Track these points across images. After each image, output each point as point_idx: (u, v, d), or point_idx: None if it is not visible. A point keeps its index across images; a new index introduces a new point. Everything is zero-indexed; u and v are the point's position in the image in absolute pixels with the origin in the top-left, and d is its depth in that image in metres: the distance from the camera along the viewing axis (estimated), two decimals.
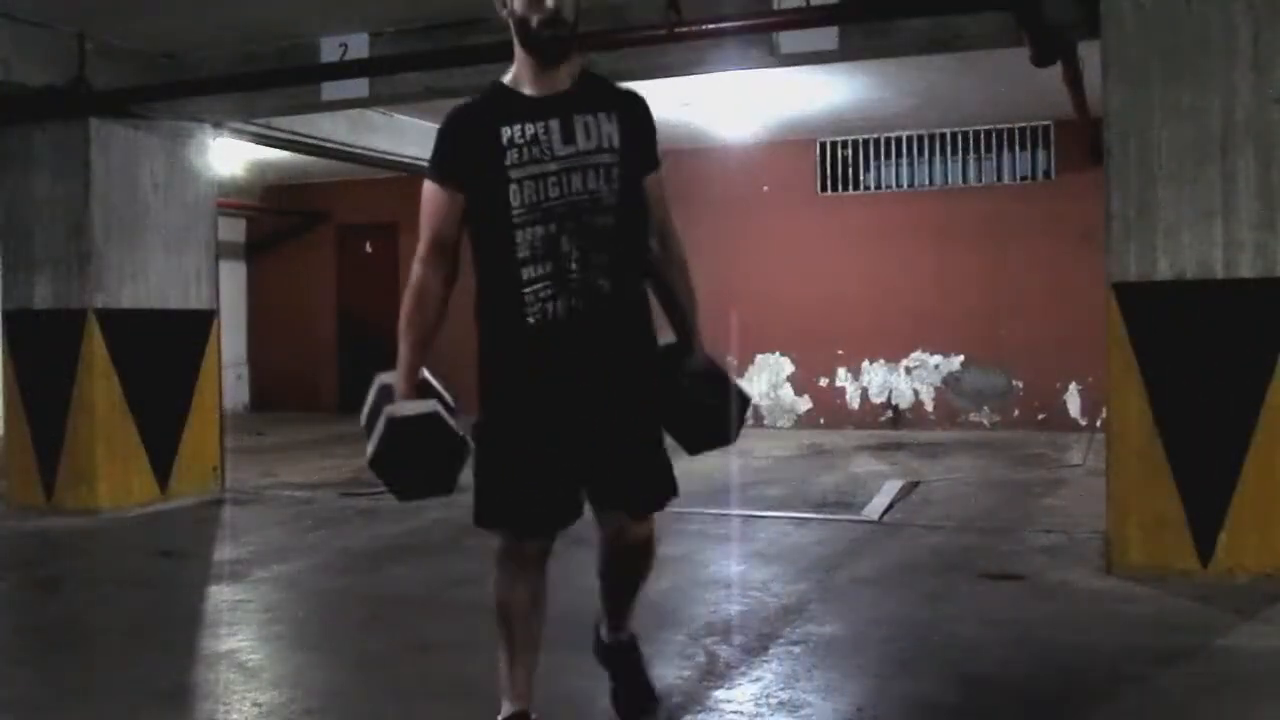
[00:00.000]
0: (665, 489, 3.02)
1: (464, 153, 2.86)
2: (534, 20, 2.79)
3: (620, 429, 2.91)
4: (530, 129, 2.80)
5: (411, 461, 2.86)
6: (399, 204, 13.55)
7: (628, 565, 3.11)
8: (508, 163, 2.79)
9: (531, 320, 2.81)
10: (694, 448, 3.18)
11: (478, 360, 2.96)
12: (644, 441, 2.97)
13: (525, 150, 2.79)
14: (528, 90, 2.88)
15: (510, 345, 2.88)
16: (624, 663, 3.36)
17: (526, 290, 2.80)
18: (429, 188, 2.97)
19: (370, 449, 2.92)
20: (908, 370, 11.67)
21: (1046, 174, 11.16)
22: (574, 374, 2.85)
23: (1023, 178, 11.27)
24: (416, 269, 2.96)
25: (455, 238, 2.95)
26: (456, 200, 2.89)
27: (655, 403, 2.99)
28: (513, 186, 2.78)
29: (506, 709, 3.09)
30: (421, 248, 2.97)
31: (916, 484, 7.85)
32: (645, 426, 2.98)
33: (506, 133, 2.80)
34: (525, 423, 2.87)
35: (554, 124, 2.80)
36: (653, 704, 3.37)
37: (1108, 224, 5.05)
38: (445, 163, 2.90)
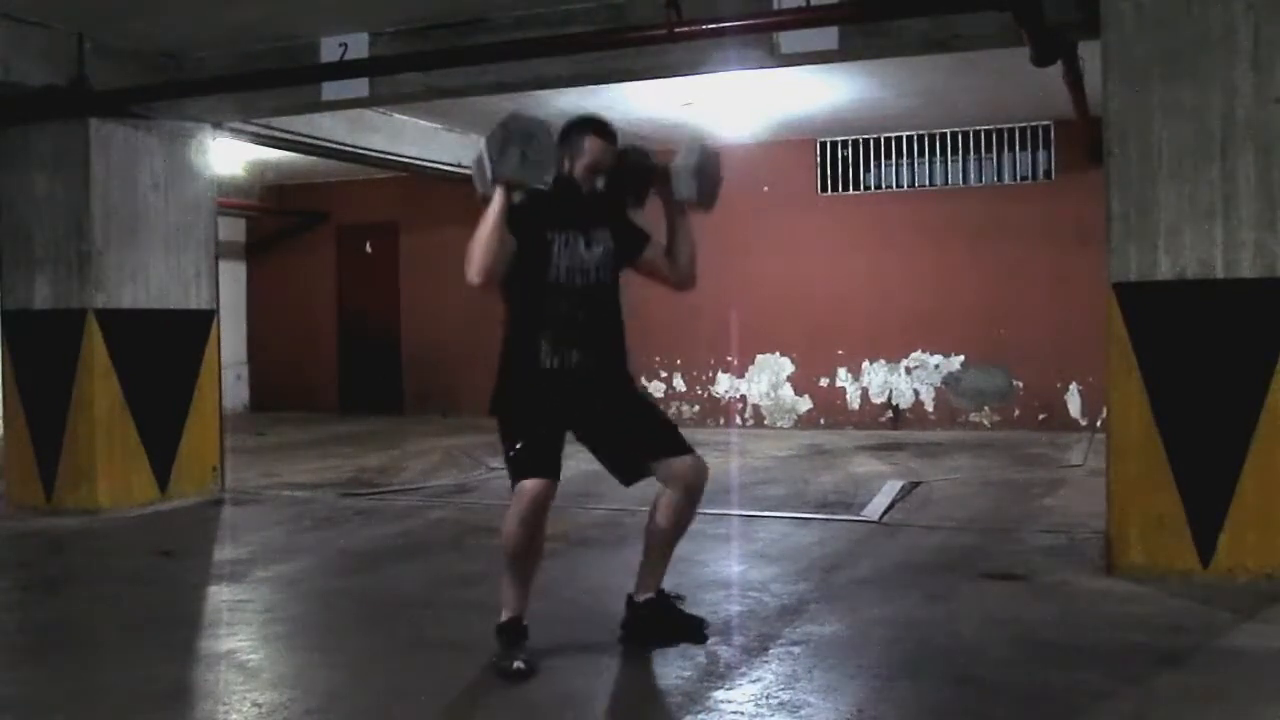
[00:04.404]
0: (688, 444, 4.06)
1: (523, 230, 3.84)
2: (584, 187, 3.97)
3: (629, 412, 4.03)
4: (566, 235, 3.92)
5: (514, 141, 3.70)
6: (399, 204, 13.61)
7: (688, 511, 4.02)
8: (552, 252, 3.89)
9: (548, 365, 3.88)
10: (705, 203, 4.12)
11: (500, 395, 3.94)
12: (654, 413, 4.19)
13: (563, 246, 3.91)
14: (565, 205, 3.94)
15: (529, 382, 3.89)
16: (667, 606, 4.14)
17: (545, 344, 3.88)
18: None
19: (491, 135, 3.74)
20: (908, 370, 11.68)
21: (1046, 174, 11.16)
22: (577, 403, 3.91)
23: (1023, 178, 11.27)
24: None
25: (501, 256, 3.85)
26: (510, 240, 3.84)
27: (647, 404, 4.18)
28: (552, 270, 3.89)
29: (506, 615, 3.88)
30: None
31: (916, 484, 7.85)
32: (648, 408, 4.17)
33: (550, 234, 3.90)
34: (539, 412, 3.85)
35: (580, 235, 3.95)
36: (704, 622, 4.20)
37: (1108, 224, 5.05)
38: (514, 216, 3.82)
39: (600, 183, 3.97)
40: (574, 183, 3.96)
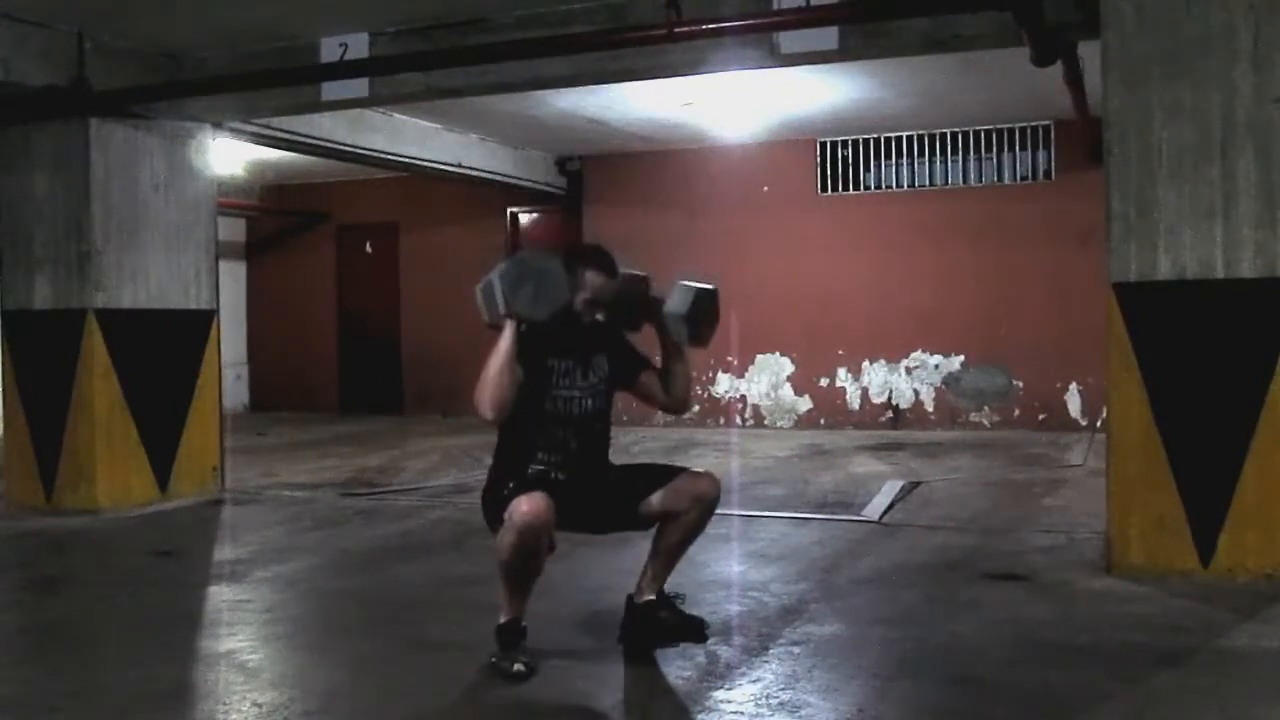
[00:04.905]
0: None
1: (526, 358, 3.84)
2: (585, 318, 3.98)
3: (617, 480, 4.08)
4: (566, 363, 3.98)
5: (528, 278, 3.77)
6: (399, 204, 13.62)
7: (701, 522, 4.02)
8: (552, 381, 3.94)
9: (535, 476, 3.90)
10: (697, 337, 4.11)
11: (486, 494, 4.01)
12: (634, 468, 4.23)
13: (562, 376, 3.97)
14: (565, 333, 3.96)
15: (517, 484, 3.85)
16: (667, 606, 4.14)
17: (535, 467, 3.93)
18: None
19: (498, 269, 3.81)
20: (908, 370, 11.68)
21: (1046, 174, 11.16)
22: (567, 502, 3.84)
23: (1023, 178, 11.27)
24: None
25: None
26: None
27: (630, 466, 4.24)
28: (549, 400, 3.95)
29: (505, 616, 3.88)
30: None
31: (916, 484, 7.85)
32: (628, 469, 4.20)
33: (551, 362, 3.95)
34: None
35: (579, 364, 4.01)
36: (704, 622, 4.21)
37: (1108, 224, 5.05)
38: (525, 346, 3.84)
39: (601, 315, 4.00)
40: (574, 313, 3.96)
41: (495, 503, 3.88)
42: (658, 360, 4.16)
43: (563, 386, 3.97)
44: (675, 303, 4.06)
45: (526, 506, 3.63)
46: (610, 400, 4.13)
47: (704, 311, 4.09)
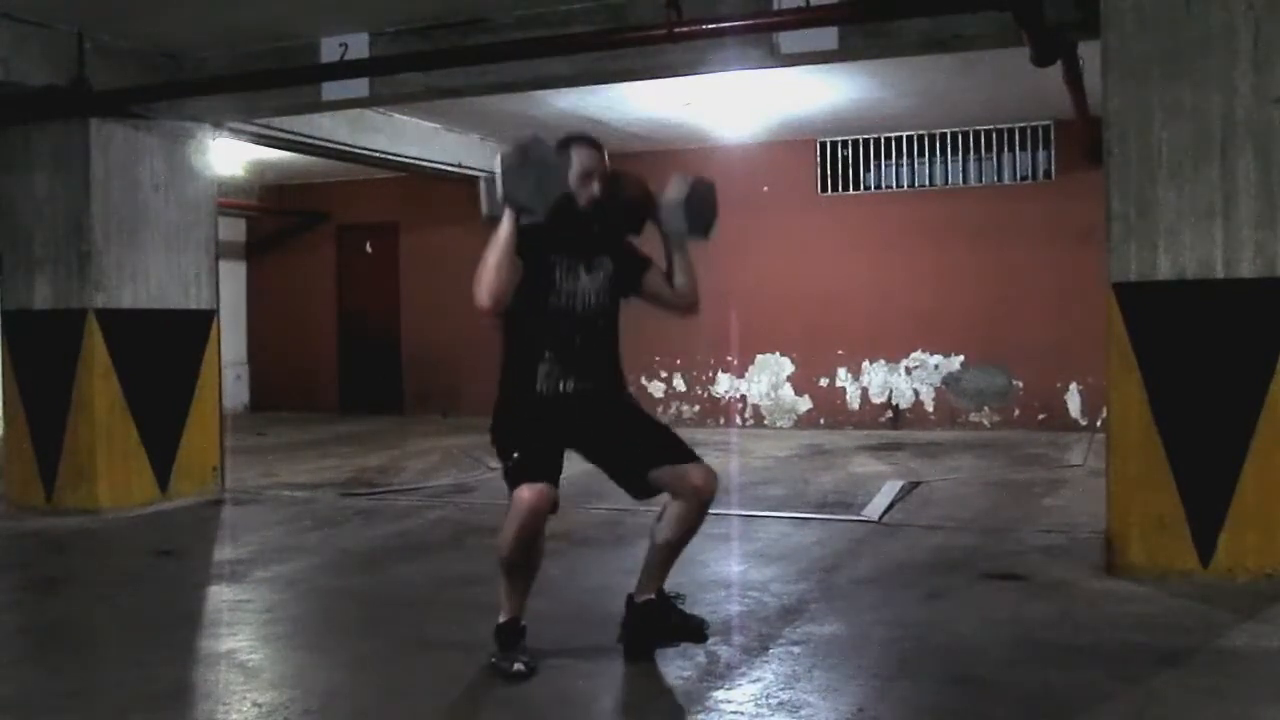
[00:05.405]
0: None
1: (527, 255, 3.82)
2: (581, 198, 3.93)
3: (629, 427, 4.02)
4: (568, 259, 3.94)
5: (530, 170, 3.70)
6: (399, 204, 13.61)
7: (696, 518, 3.98)
8: (554, 277, 3.91)
9: (544, 391, 3.89)
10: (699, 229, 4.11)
11: (498, 423, 3.92)
12: (654, 424, 4.10)
13: (564, 272, 3.93)
14: (566, 230, 3.92)
15: (526, 409, 3.90)
16: (667, 606, 4.14)
17: (541, 369, 3.90)
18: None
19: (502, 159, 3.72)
20: (908, 370, 11.68)
21: (1046, 174, 11.16)
22: (574, 428, 3.91)
23: (1023, 178, 11.28)
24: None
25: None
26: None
27: (646, 417, 4.11)
28: (552, 296, 3.91)
29: (504, 616, 3.89)
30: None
31: (916, 484, 7.85)
32: (647, 421, 4.08)
33: (553, 258, 3.91)
34: (537, 429, 3.84)
35: (580, 261, 3.96)
36: (704, 622, 4.22)
37: (1108, 224, 5.05)
38: (519, 241, 3.79)
39: (596, 188, 3.96)
40: (572, 204, 3.94)
41: (504, 431, 3.88)
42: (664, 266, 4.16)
43: (566, 281, 3.94)
44: (673, 191, 4.08)
45: (528, 494, 3.69)
46: (615, 303, 4.07)
47: (702, 200, 4.09)
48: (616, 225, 4.08)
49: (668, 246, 4.13)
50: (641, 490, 4.02)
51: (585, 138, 4.06)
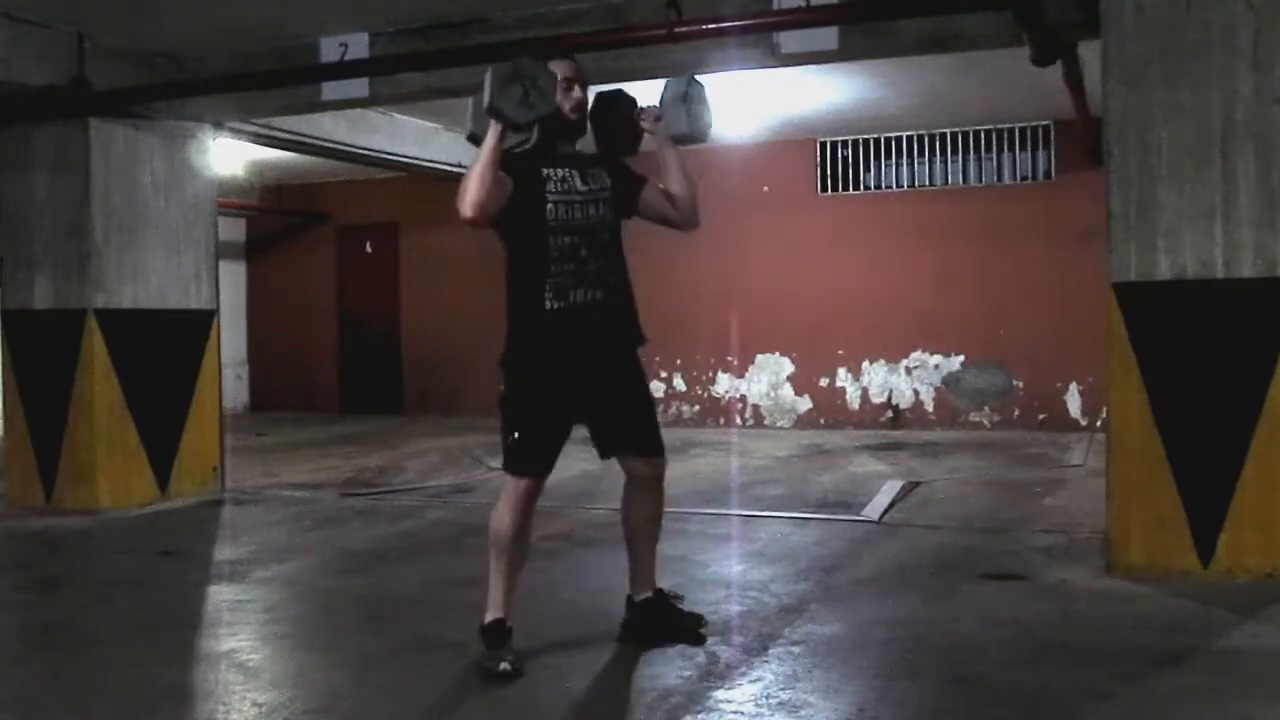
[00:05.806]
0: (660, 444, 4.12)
1: (517, 170, 3.80)
2: (567, 104, 3.87)
3: (626, 394, 4.02)
4: (561, 171, 3.90)
5: (518, 81, 3.64)
6: (399, 204, 13.61)
7: (650, 502, 4.09)
8: (548, 189, 3.84)
9: (552, 307, 3.82)
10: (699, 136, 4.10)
11: (507, 336, 3.88)
12: (644, 403, 4.11)
13: (559, 183, 3.87)
14: (557, 144, 3.94)
15: (535, 324, 3.85)
16: (665, 605, 4.17)
17: (548, 285, 3.82)
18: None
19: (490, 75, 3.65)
20: (908, 370, 11.68)
21: (1046, 174, 11.16)
22: (585, 350, 3.87)
23: (1023, 178, 11.27)
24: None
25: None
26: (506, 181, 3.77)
27: (645, 379, 4.13)
28: (549, 205, 3.83)
29: (491, 616, 3.91)
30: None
31: (916, 484, 7.85)
32: (639, 396, 4.10)
33: (546, 170, 3.87)
34: (543, 394, 3.86)
35: (575, 171, 3.93)
36: (703, 621, 4.24)
37: (1108, 224, 5.05)
38: (507, 160, 3.75)
39: (579, 91, 3.92)
40: (561, 119, 3.87)
41: (515, 365, 3.89)
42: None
43: (561, 192, 3.86)
44: (669, 91, 4.07)
45: (524, 483, 3.86)
46: (617, 216, 4.01)
47: (695, 99, 4.06)
48: (611, 143, 4.08)
49: (664, 153, 4.08)
50: (603, 455, 4.11)
51: (561, 54, 4.08)
